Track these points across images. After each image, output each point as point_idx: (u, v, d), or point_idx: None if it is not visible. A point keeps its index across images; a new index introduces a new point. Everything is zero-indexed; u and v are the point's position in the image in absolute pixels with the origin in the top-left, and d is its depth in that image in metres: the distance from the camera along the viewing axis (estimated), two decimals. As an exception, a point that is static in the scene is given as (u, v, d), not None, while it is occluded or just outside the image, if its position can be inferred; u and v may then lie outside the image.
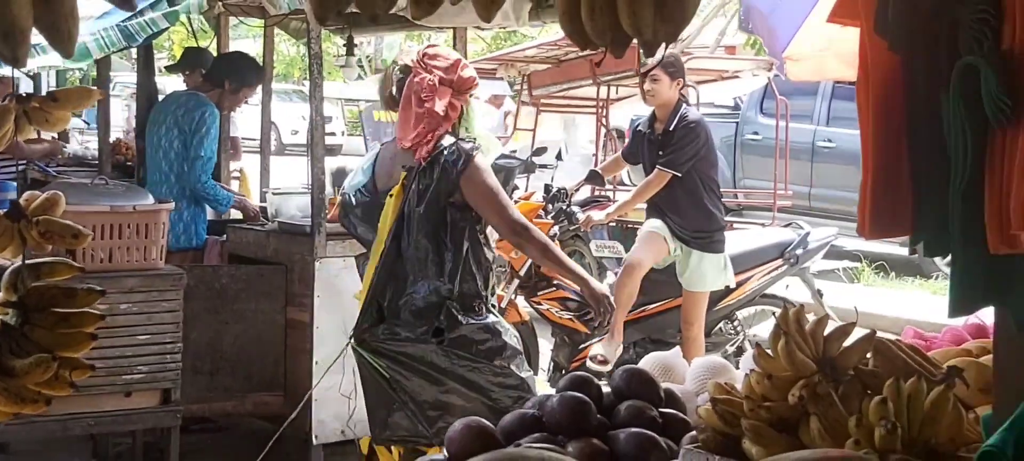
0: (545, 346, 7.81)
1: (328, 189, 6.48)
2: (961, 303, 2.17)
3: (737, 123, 15.31)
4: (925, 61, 2.16)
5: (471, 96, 4.62)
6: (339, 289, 6.14)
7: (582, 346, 7.49)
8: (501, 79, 12.16)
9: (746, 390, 2.82)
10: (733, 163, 15.23)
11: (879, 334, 2.93)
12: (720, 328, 7.81)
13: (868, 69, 2.24)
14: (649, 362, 3.80)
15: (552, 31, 12.20)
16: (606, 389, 3.28)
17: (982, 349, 3.23)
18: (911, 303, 10.70)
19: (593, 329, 7.45)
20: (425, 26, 6.56)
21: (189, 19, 8.14)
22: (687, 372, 3.72)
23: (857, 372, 2.82)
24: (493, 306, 4.68)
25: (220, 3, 7.27)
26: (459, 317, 4.48)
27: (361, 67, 25.72)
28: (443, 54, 4.64)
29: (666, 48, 2.40)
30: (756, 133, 14.87)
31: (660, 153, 7.22)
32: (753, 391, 2.80)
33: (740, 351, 7.60)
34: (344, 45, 7.66)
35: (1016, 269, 2.12)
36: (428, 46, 4.72)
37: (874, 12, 2.20)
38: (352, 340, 4.70)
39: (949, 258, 2.21)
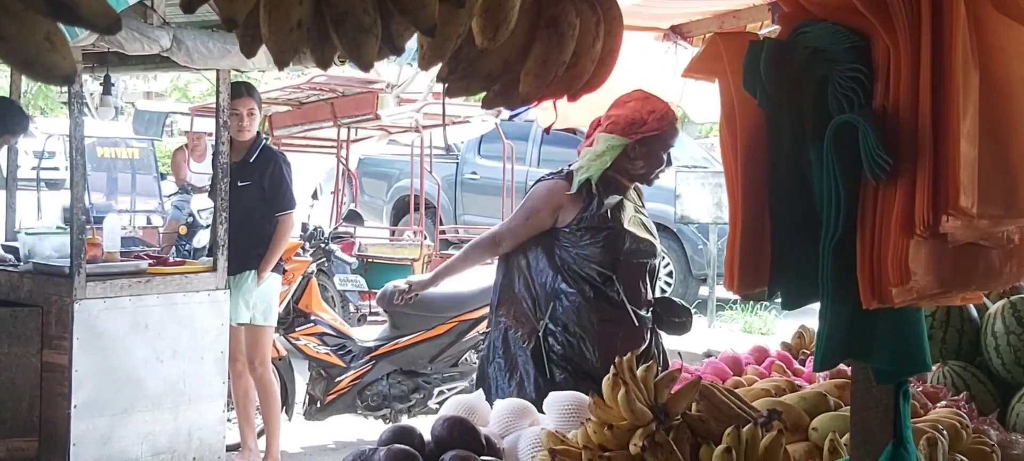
0: (301, 381, 7.39)
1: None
2: (829, 357, 2.03)
3: (457, 163, 15.25)
4: (790, 117, 2.02)
5: None
6: (100, 331, 5.58)
7: (338, 379, 7.13)
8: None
9: (583, 440, 2.61)
10: (453, 200, 15.17)
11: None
12: (466, 358, 7.61)
13: (736, 126, 2.08)
14: (453, 406, 3.54)
15: (296, 75, 11.82)
16: (426, 437, 3.01)
17: (781, 386, 3.16)
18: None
19: (348, 363, 7.12)
20: (186, 67, 6.03)
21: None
22: (490, 414, 3.49)
23: (684, 417, 2.68)
24: None
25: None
26: None
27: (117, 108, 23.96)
28: None
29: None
30: (474, 173, 14.88)
31: None
32: (590, 441, 2.60)
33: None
34: (101, 84, 7.01)
35: (878, 324, 2.00)
36: None
37: (742, 70, 2.05)
38: None
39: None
